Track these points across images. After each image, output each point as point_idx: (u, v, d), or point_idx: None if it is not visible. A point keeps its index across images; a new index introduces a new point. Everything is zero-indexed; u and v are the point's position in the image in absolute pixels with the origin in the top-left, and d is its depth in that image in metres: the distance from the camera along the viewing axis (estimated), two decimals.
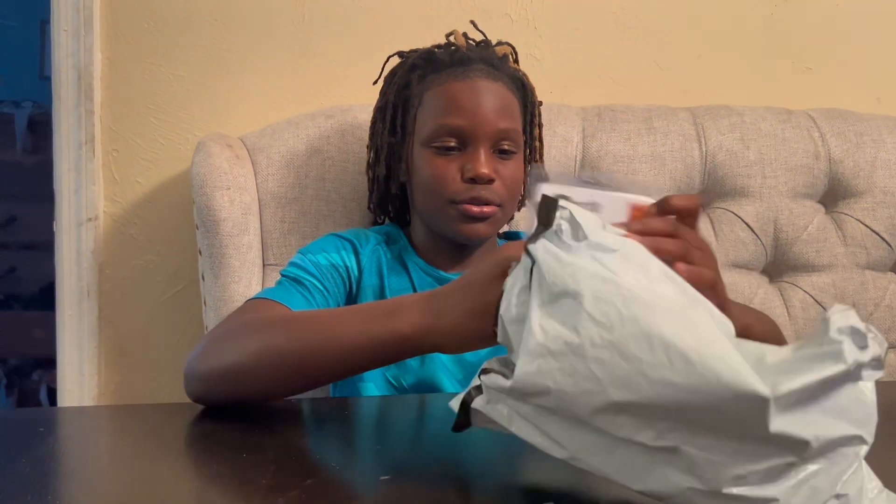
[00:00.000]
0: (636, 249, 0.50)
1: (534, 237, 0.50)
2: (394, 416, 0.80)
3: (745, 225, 1.26)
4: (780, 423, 0.43)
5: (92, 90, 1.24)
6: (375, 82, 1.04)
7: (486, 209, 0.92)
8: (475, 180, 0.91)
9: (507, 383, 0.50)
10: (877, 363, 0.45)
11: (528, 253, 0.50)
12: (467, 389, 0.55)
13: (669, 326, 0.45)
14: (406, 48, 1.03)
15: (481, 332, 0.59)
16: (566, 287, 0.48)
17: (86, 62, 1.23)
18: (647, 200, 0.58)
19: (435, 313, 0.63)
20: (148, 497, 0.55)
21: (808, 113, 1.32)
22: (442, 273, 0.99)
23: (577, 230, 0.49)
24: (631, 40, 1.37)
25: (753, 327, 0.78)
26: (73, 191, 1.25)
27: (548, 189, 0.55)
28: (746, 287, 1.26)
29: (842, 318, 0.45)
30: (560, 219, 0.50)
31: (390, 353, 0.66)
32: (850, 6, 1.43)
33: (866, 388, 0.45)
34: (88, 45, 1.23)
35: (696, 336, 0.45)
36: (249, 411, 0.73)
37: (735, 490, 0.45)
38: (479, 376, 0.54)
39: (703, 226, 1.26)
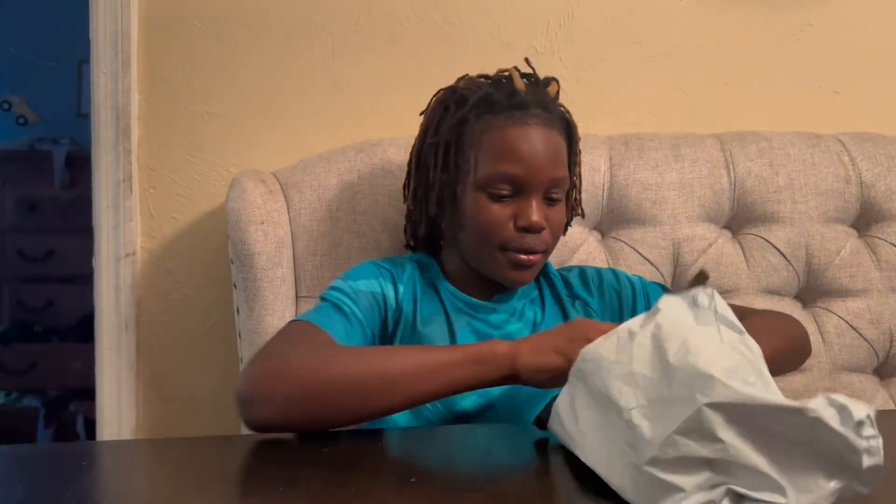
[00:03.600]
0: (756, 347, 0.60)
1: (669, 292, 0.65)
2: (434, 449, 0.81)
3: (776, 250, 1.25)
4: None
5: (129, 130, 1.27)
6: (422, 113, 1.04)
7: (532, 257, 0.95)
8: (527, 229, 0.94)
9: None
10: None
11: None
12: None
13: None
14: (432, 85, 1.05)
15: (558, 366, 0.76)
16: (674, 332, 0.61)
17: (123, 103, 1.27)
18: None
19: (522, 342, 0.80)
20: None
21: (838, 137, 1.32)
22: (474, 300, 1.00)
23: (711, 302, 0.61)
24: (656, 69, 1.38)
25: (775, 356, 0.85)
26: (111, 227, 1.29)
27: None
28: None
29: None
30: (701, 291, 0.62)
31: (474, 372, 0.79)
32: (877, 28, 1.42)
33: None
34: (126, 86, 1.26)
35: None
36: (284, 445, 0.74)
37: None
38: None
39: (734, 252, 1.25)
